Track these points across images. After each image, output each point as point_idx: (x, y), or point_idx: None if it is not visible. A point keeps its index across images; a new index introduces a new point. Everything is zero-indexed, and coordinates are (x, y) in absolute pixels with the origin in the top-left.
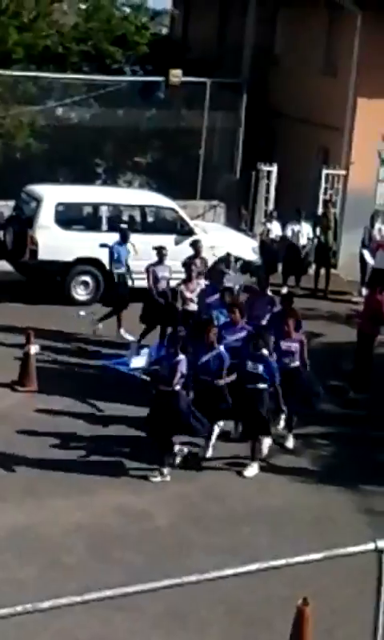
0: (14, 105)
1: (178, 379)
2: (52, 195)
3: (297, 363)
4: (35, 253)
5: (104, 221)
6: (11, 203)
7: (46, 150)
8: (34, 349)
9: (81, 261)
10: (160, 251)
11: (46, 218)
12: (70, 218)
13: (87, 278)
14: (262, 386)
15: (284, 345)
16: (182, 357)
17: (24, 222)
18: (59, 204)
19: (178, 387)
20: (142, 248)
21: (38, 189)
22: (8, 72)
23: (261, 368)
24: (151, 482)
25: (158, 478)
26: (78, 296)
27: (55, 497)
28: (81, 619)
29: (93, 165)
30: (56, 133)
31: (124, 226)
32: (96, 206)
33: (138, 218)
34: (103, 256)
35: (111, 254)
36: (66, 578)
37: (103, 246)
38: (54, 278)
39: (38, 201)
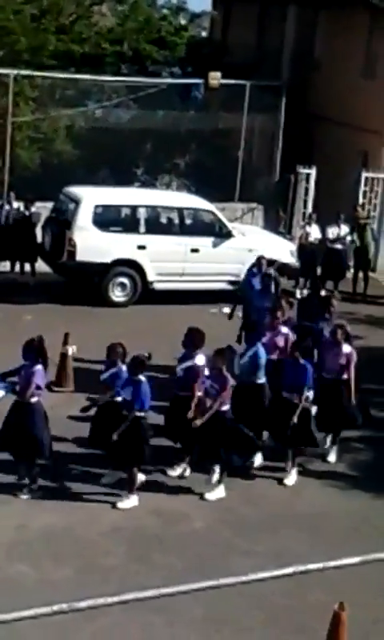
0: (52, 108)
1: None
2: (90, 197)
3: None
4: (73, 254)
5: (142, 223)
6: (50, 205)
7: (85, 152)
8: (71, 350)
9: (118, 262)
10: None
11: (84, 219)
12: (108, 219)
13: (125, 280)
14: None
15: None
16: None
17: (62, 223)
18: (97, 206)
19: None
20: (181, 250)
21: (77, 190)
22: (46, 74)
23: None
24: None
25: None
26: (115, 298)
27: (92, 498)
28: (118, 621)
29: (131, 167)
30: (95, 135)
31: None
32: (134, 208)
33: (176, 220)
34: (141, 258)
35: None
36: (102, 579)
37: None
38: (92, 279)
39: (77, 202)
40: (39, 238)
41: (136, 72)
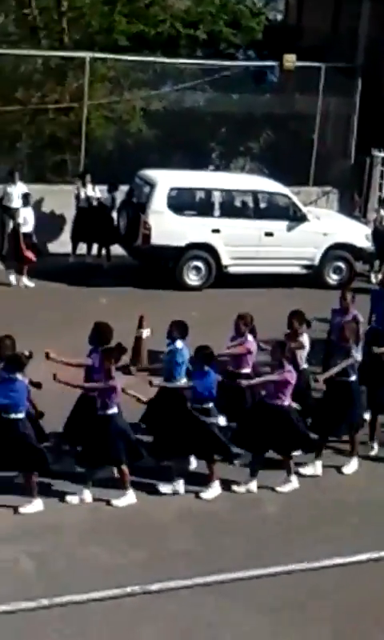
0: (127, 90)
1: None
2: (166, 180)
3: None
4: (148, 237)
5: (217, 206)
6: (125, 188)
7: (160, 135)
8: (145, 333)
9: (193, 246)
10: None
11: (159, 202)
12: (183, 203)
13: (199, 264)
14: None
15: None
16: None
17: (137, 206)
18: (172, 189)
19: None
20: (255, 234)
21: (152, 174)
22: (121, 56)
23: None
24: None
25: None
26: (189, 281)
27: (165, 481)
28: (187, 604)
29: (206, 150)
30: (169, 118)
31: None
32: (209, 192)
33: (250, 204)
34: (215, 241)
35: None
36: (173, 563)
37: None
38: (166, 263)
39: (152, 186)
40: (114, 222)
41: (211, 55)
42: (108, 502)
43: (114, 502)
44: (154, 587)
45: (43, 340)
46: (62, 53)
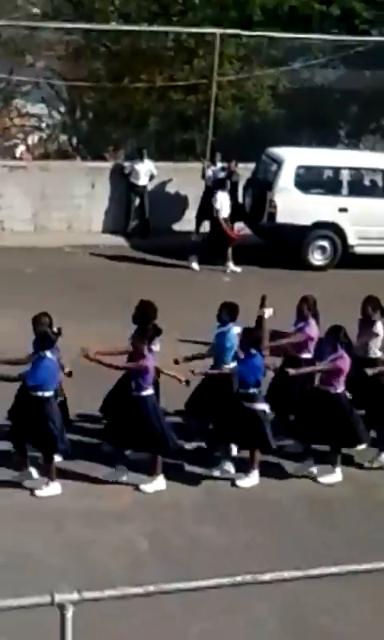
0: (257, 67)
1: None
2: (293, 158)
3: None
4: (274, 216)
5: (345, 185)
6: (251, 166)
7: (288, 113)
8: (267, 312)
9: (319, 225)
10: None
11: (286, 180)
12: (310, 181)
13: (325, 243)
14: None
15: None
16: None
17: (263, 184)
18: (300, 167)
19: None
20: None
21: (279, 151)
22: (251, 33)
23: None
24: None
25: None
26: (314, 261)
27: (286, 462)
28: (306, 588)
29: (335, 128)
30: (299, 95)
31: None
32: (337, 170)
33: (379, 183)
34: (342, 221)
35: None
36: (289, 545)
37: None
38: (292, 241)
39: (279, 163)
40: (240, 199)
41: (344, 31)
42: (136, 487)
43: (142, 486)
44: (267, 577)
45: (165, 319)
46: (191, 29)
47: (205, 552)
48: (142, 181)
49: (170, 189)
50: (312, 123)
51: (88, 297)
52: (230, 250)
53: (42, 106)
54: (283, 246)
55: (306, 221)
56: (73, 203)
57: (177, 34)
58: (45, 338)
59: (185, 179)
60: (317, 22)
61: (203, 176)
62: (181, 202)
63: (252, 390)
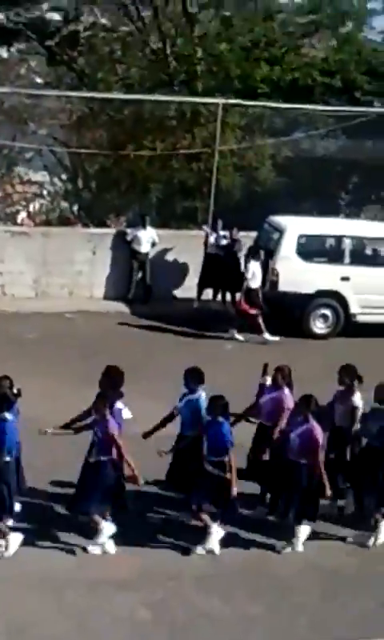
0: (258, 136)
1: None
2: (295, 226)
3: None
4: (276, 284)
5: (347, 253)
6: (252, 234)
7: (290, 182)
8: (269, 380)
9: (321, 294)
10: None
11: (287, 249)
12: (312, 249)
13: (327, 312)
14: None
15: None
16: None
17: (265, 253)
18: (301, 235)
19: None
20: None
21: (281, 220)
22: (254, 103)
23: None
24: None
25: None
26: (316, 329)
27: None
28: None
29: (336, 198)
30: (300, 165)
31: None
32: (339, 239)
33: (382, 252)
34: (344, 289)
35: None
36: (292, 618)
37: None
38: (294, 310)
39: (281, 232)
40: (242, 268)
41: (345, 102)
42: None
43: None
44: None
45: (164, 383)
46: (195, 99)
47: (208, 624)
48: (144, 248)
49: (171, 256)
50: (313, 192)
51: (89, 363)
52: (260, 320)
53: (43, 174)
54: (285, 314)
55: (308, 289)
56: (74, 269)
57: (179, 103)
58: (3, 399)
59: (186, 247)
60: (319, 94)
61: (206, 243)
62: (182, 270)
63: (219, 458)
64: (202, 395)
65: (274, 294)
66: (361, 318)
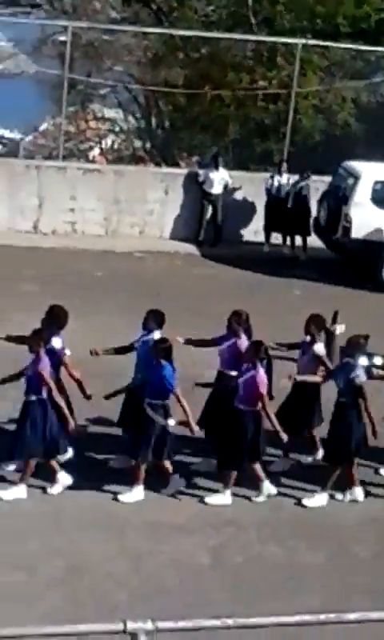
0: (338, 79)
1: None
2: (370, 173)
3: None
4: (348, 231)
5: None
6: (328, 179)
7: (368, 127)
8: (339, 329)
9: None
10: None
11: (362, 195)
12: None
13: None
14: None
15: None
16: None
17: (339, 198)
18: (377, 182)
19: None
20: None
21: (357, 165)
22: (334, 44)
23: None
24: None
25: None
26: None
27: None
28: None
29: None
30: (380, 109)
31: None
32: None
33: None
34: None
35: None
36: (351, 569)
37: None
38: (366, 258)
39: (356, 178)
40: (314, 212)
41: None
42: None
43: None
44: (352, 617)
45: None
46: (273, 38)
47: (265, 569)
48: (216, 189)
49: (244, 199)
50: None
51: (155, 303)
52: None
53: (117, 111)
54: (357, 262)
55: (382, 237)
56: (145, 208)
57: (258, 42)
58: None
59: (259, 190)
60: None
61: (270, 187)
62: (254, 213)
63: (157, 401)
64: (157, 337)
65: (345, 241)
66: None
